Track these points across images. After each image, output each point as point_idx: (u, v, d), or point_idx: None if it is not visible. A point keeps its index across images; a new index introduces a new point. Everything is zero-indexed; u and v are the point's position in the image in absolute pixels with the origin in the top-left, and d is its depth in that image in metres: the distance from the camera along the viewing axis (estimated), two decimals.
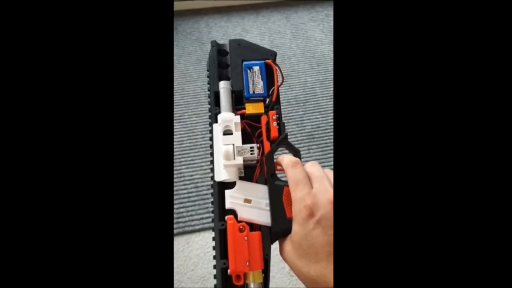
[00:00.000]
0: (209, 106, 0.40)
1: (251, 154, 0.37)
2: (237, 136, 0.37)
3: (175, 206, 1.05)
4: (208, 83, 0.41)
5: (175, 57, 1.49)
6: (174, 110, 1.28)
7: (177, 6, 1.72)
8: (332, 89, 1.35)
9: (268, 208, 0.36)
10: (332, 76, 1.40)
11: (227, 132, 0.38)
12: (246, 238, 0.34)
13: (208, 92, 0.41)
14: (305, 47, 1.59)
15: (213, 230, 0.36)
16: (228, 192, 0.36)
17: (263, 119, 0.39)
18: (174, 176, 1.10)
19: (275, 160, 0.38)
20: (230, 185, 0.37)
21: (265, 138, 0.39)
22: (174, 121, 1.23)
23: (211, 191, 0.38)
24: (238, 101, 0.40)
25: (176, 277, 0.95)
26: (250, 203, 0.36)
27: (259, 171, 0.38)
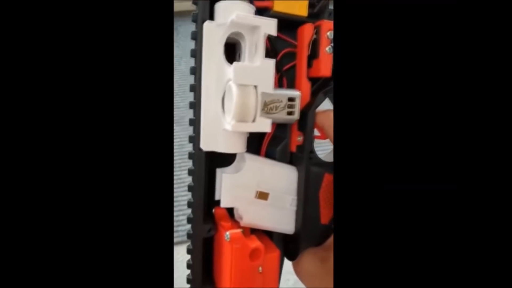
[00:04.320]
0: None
1: (290, 113, 0.19)
2: (265, 70, 0.18)
3: (174, 214, 1.01)
4: None
5: (175, 59, 1.47)
6: (174, 112, 1.26)
7: (178, 7, 1.70)
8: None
9: (294, 207, 0.22)
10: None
11: (233, 45, 0.20)
12: (261, 269, 0.21)
13: None
14: None
15: (189, 237, 0.22)
16: (228, 178, 0.20)
17: (306, 30, 0.20)
18: (174, 181, 1.08)
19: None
20: (226, 159, 0.22)
21: (303, 72, 0.21)
22: (174, 124, 1.21)
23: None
24: None
25: None
26: (266, 200, 0.21)
27: (271, 133, 0.22)
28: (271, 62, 0.19)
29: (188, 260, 0.22)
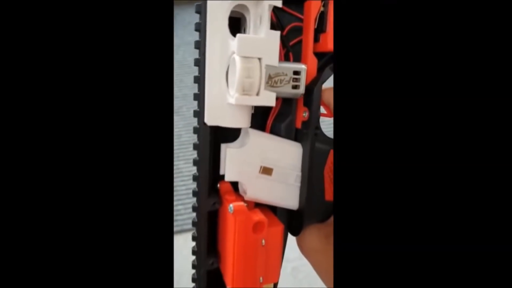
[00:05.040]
0: None
1: (295, 87, 0.19)
2: (270, 42, 0.18)
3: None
4: None
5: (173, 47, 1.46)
6: None
7: None
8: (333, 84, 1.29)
9: (298, 183, 0.22)
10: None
11: (238, 20, 0.20)
12: (264, 241, 0.21)
13: None
14: None
15: (194, 210, 0.23)
16: (232, 153, 0.21)
17: (314, 2, 0.20)
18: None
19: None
20: (230, 133, 0.22)
21: (309, 47, 0.20)
22: None
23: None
24: None
25: (175, 278, 0.91)
26: (270, 175, 0.22)
27: (277, 109, 0.22)
28: (276, 34, 0.18)
29: (193, 233, 0.23)
